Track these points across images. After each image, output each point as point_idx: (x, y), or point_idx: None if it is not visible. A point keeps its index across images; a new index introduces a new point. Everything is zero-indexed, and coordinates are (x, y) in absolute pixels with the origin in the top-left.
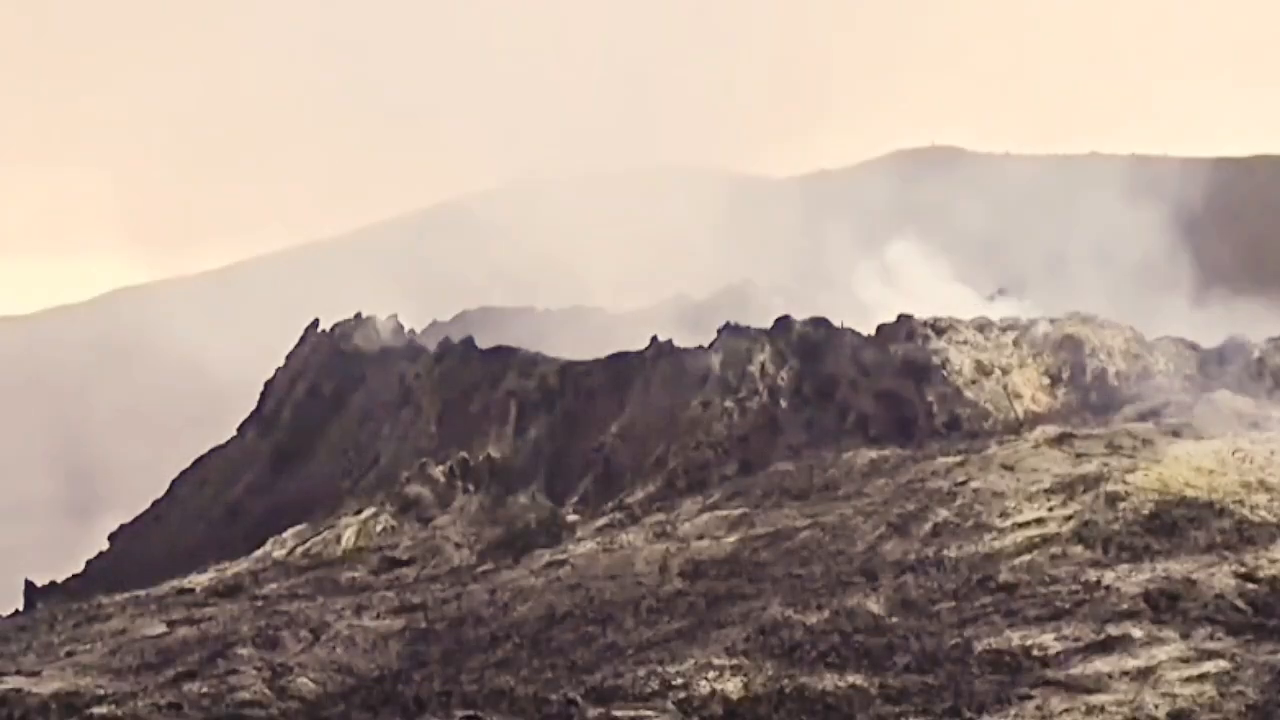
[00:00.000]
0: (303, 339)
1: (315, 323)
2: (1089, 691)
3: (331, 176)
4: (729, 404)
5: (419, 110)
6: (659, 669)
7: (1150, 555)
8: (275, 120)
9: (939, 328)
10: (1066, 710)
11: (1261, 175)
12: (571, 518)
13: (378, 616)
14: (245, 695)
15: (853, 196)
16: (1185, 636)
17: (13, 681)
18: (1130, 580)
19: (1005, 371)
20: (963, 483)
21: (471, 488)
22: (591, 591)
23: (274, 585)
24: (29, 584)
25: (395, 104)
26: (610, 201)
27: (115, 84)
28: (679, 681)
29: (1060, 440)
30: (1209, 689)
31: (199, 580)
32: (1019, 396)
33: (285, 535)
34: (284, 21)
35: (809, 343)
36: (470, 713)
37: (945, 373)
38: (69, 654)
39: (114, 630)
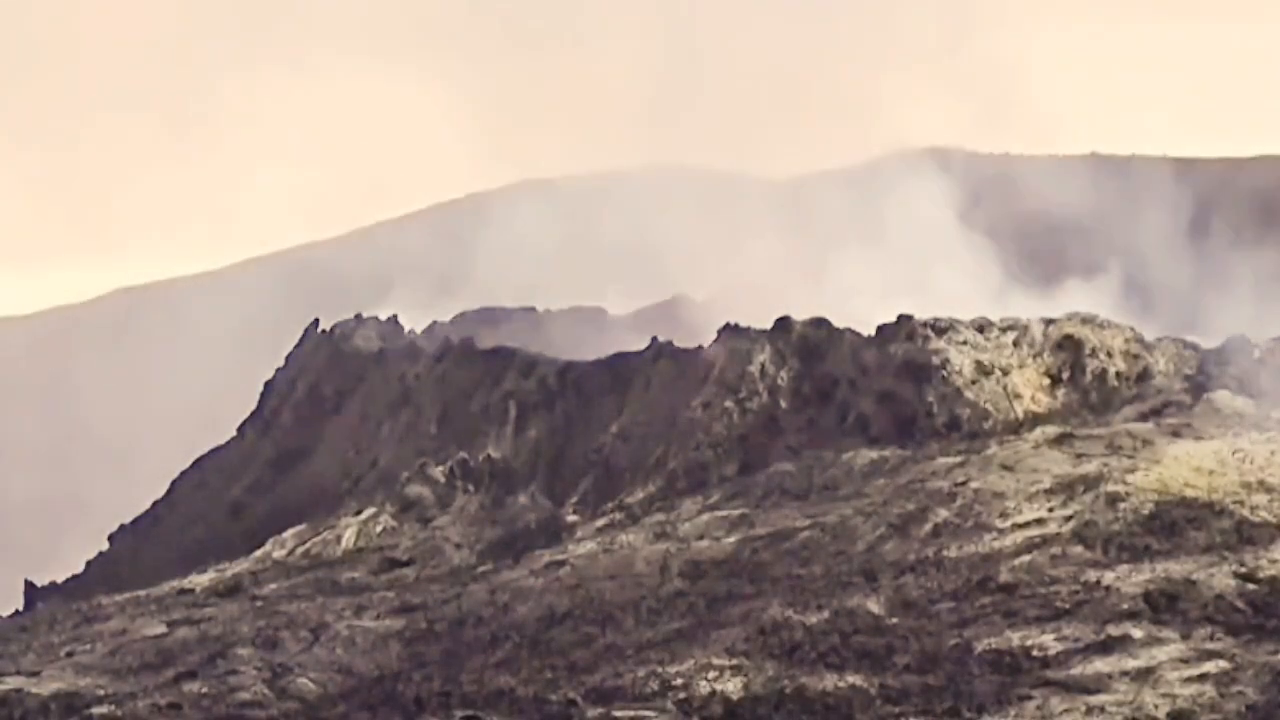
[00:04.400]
0: (303, 339)
1: (315, 323)
2: (1089, 692)
3: (332, 177)
4: (729, 404)
5: (421, 111)
6: (659, 669)
7: (1150, 555)
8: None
9: (939, 328)
10: (1066, 710)
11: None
12: (571, 518)
13: (378, 617)
14: (245, 695)
15: (852, 196)
16: (1185, 637)
17: (13, 681)
18: (1130, 580)
19: (1005, 372)
20: (963, 483)
21: (471, 488)
22: (591, 592)
23: (274, 585)
24: (29, 584)
25: (396, 105)
26: (610, 201)
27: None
28: (679, 682)
29: (1060, 440)
30: (1209, 689)
31: (199, 580)
32: (1019, 396)
33: (285, 535)
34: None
35: (809, 343)
36: (470, 713)
37: (945, 373)
38: (69, 654)
39: (114, 630)
